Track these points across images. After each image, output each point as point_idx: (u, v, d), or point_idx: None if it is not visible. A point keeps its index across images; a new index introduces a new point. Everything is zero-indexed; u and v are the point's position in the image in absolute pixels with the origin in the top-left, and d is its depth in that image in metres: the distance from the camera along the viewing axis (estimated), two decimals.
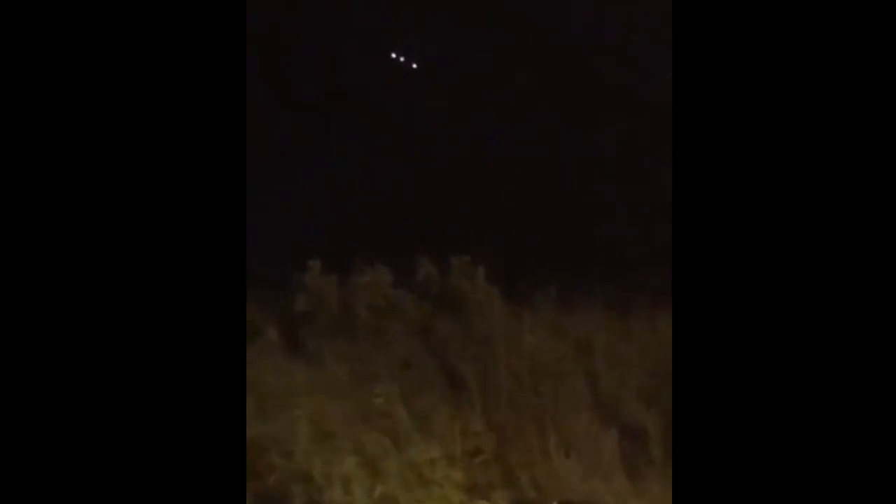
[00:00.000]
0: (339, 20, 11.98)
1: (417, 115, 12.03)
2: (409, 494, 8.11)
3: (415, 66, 12.01)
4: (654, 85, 9.49)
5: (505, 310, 9.95)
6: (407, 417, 8.54)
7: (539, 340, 9.67)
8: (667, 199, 5.64)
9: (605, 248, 11.14)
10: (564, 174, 11.76)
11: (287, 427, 8.26)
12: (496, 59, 11.95)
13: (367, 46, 12.09)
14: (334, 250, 10.09)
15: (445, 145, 11.93)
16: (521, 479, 8.53)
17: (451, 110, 11.92)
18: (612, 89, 11.69)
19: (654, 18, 10.36)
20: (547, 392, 9.26)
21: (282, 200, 11.15)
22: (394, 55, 12.08)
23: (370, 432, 8.41)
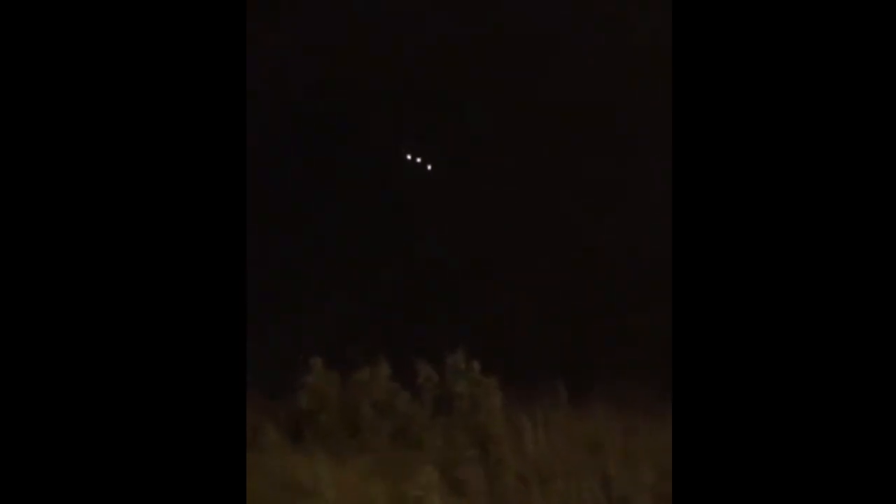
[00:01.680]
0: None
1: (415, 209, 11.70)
2: None
3: (429, 167, 11.79)
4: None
5: (508, 409, 9.63)
6: None
7: (546, 440, 9.28)
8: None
9: (612, 341, 10.77)
10: (565, 265, 11.42)
11: None
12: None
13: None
14: (334, 348, 9.88)
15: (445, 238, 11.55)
16: None
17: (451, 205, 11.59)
18: None
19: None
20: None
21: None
22: (409, 157, 11.85)
23: None
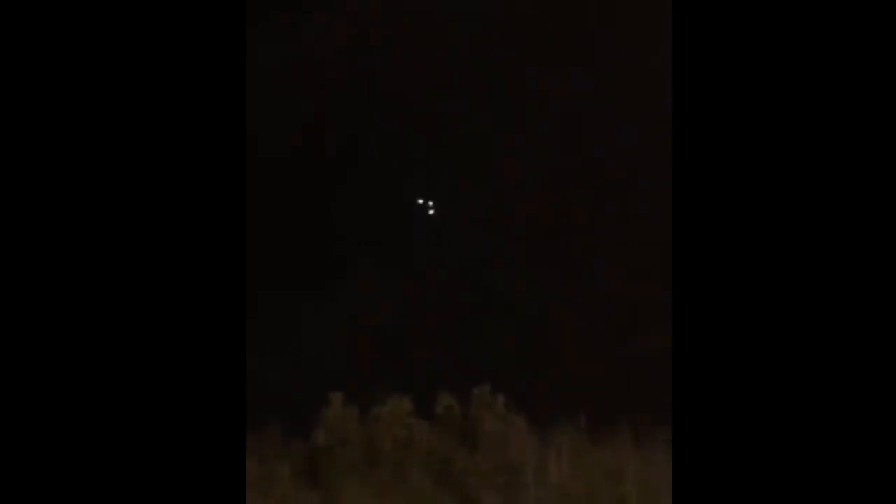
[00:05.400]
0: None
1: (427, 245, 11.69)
2: None
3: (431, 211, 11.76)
4: None
5: (530, 439, 9.82)
6: None
7: (568, 469, 9.50)
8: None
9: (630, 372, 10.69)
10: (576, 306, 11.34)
11: None
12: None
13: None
14: (353, 381, 10.03)
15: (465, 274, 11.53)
16: None
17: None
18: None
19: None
20: None
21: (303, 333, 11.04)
22: (420, 201, 11.87)
23: None
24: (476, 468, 9.54)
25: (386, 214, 11.84)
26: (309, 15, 11.84)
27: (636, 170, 11.32)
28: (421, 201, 12.02)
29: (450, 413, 9.99)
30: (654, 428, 9.79)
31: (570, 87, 11.61)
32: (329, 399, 9.80)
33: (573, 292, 11.44)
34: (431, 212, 11.91)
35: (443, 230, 11.88)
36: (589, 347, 10.95)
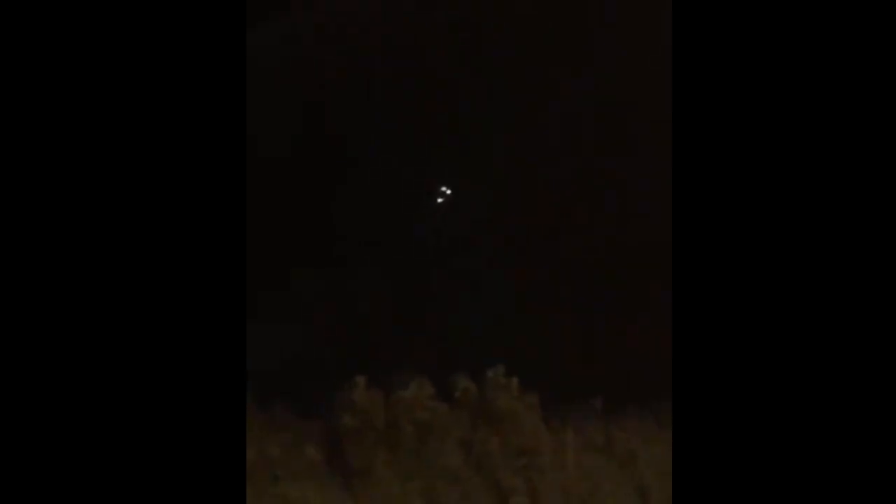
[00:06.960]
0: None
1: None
2: None
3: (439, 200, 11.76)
4: None
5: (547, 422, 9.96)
6: None
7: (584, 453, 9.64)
8: None
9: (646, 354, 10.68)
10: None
11: None
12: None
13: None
14: (371, 363, 10.05)
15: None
16: None
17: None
18: None
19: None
20: None
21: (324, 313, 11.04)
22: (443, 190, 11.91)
23: None
24: (495, 449, 9.66)
25: (386, 214, 11.84)
26: (309, 15, 11.88)
27: (636, 170, 11.31)
28: (444, 189, 12.06)
29: (467, 396, 10.05)
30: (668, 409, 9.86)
31: (570, 87, 11.60)
32: (355, 382, 9.83)
33: (573, 292, 11.44)
34: (440, 199, 11.93)
35: (443, 230, 11.90)
36: (589, 347, 10.97)
